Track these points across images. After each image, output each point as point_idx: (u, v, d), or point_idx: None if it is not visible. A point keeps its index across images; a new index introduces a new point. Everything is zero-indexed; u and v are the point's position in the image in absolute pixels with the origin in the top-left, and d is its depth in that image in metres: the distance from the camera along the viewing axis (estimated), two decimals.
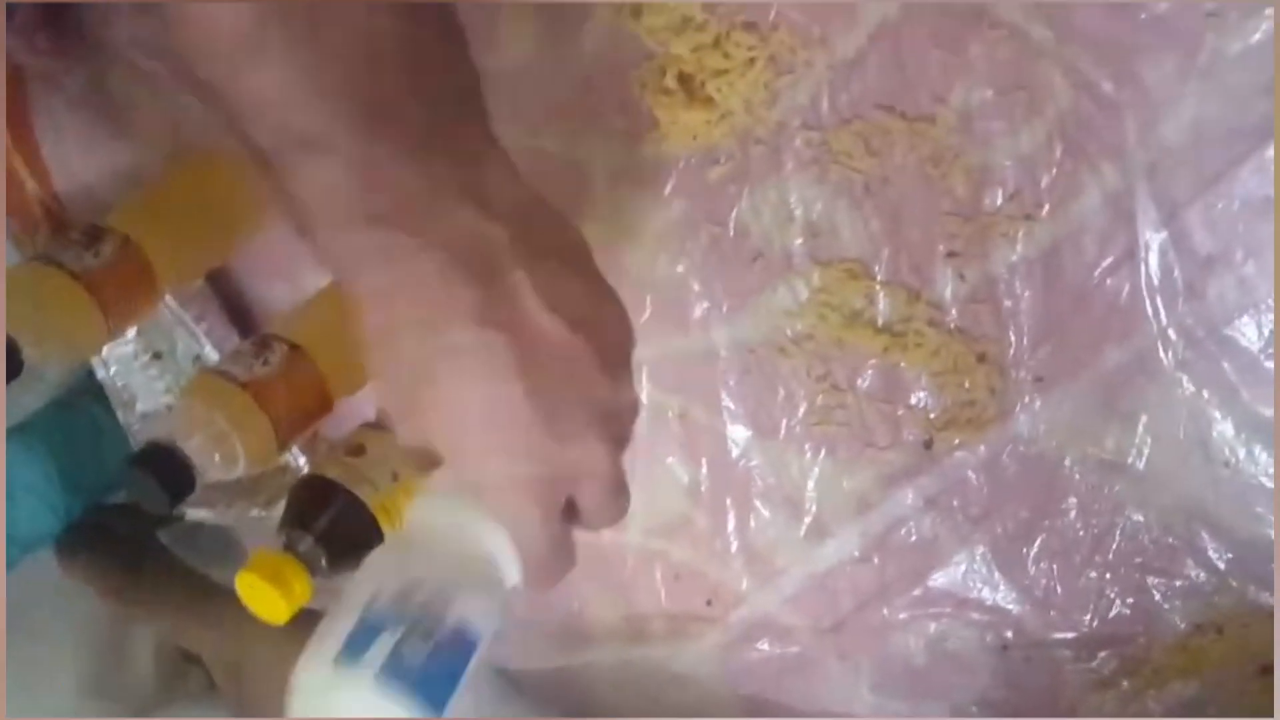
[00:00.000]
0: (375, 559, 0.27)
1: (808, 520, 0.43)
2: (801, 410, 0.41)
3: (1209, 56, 0.32)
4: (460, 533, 0.26)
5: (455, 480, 0.26)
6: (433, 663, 0.24)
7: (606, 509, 0.27)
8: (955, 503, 0.41)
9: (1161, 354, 0.37)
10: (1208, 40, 0.32)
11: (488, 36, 0.38)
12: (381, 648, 0.24)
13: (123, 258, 0.38)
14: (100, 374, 0.50)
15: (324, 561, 0.37)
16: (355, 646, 0.24)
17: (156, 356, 0.50)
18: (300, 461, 0.47)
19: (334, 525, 0.37)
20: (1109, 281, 0.37)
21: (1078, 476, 0.40)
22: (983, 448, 0.40)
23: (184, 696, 0.59)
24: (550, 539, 0.27)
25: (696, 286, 0.41)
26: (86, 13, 0.42)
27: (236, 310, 0.46)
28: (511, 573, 0.27)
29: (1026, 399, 0.39)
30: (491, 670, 0.51)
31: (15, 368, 0.37)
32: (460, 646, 0.25)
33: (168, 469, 0.35)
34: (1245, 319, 0.36)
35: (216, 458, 0.36)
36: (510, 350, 0.24)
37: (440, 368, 0.24)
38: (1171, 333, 0.37)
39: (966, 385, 0.40)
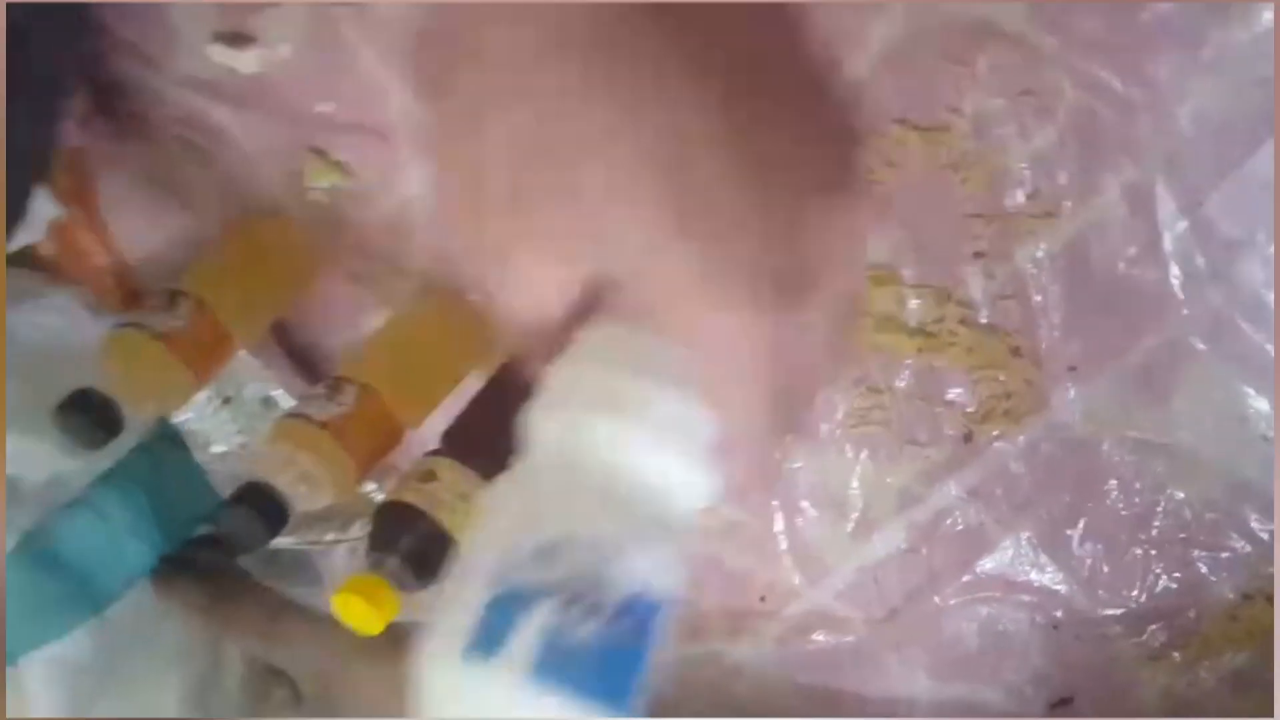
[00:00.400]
0: (498, 503, 0.18)
1: (855, 517, 0.45)
2: (840, 413, 0.43)
3: (1215, 49, 0.33)
4: (616, 431, 0.18)
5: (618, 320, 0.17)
6: (605, 647, 0.17)
7: (831, 358, 0.17)
8: (998, 491, 0.43)
9: (1192, 336, 0.38)
10: (1212, 35, 0.32)
11: None
12: (527, 635, 0.17)
13: (199, 318, 0.42)
14: (176, 419, 0.54)
15: (412, 579, 0.40)
16: (489, 635, 0.17)
17: (226, 401, 0.53)
18: (371, 488, 0.50)
19: (416, 545, 0.40)
20: (1135, 270, 0.37)
21: (1117, 459, 0.41)
22: (1022, 437, 0.41)
23: (271, 708, 0.63)
24: (786, 393, 0.17)
25: None
26: (139, 97, 0.45)
27: (298, 355, 0.49)
28: (699, 485, 0.18)
29: (1062, 388, 0.40)
30: None
31: (118, 426, 0.40)
32: (638, 617, 0.17)
33: (266, 505, 0.38)
34: (1273, 297, 0.36)
35: (304, 491, 0.39)
36: (697, 65, 0.14)
37: (563, 130, 0.15)
38: (1200, 315, 0.38)
39: (1002, 379, 0.41)
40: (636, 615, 0.17)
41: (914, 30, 0.35)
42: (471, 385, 0.45)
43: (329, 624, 0.56)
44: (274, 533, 0.40)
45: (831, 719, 0.49)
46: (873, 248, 0.40)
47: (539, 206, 0.16)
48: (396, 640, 0.56)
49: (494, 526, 0.18)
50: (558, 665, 0.17)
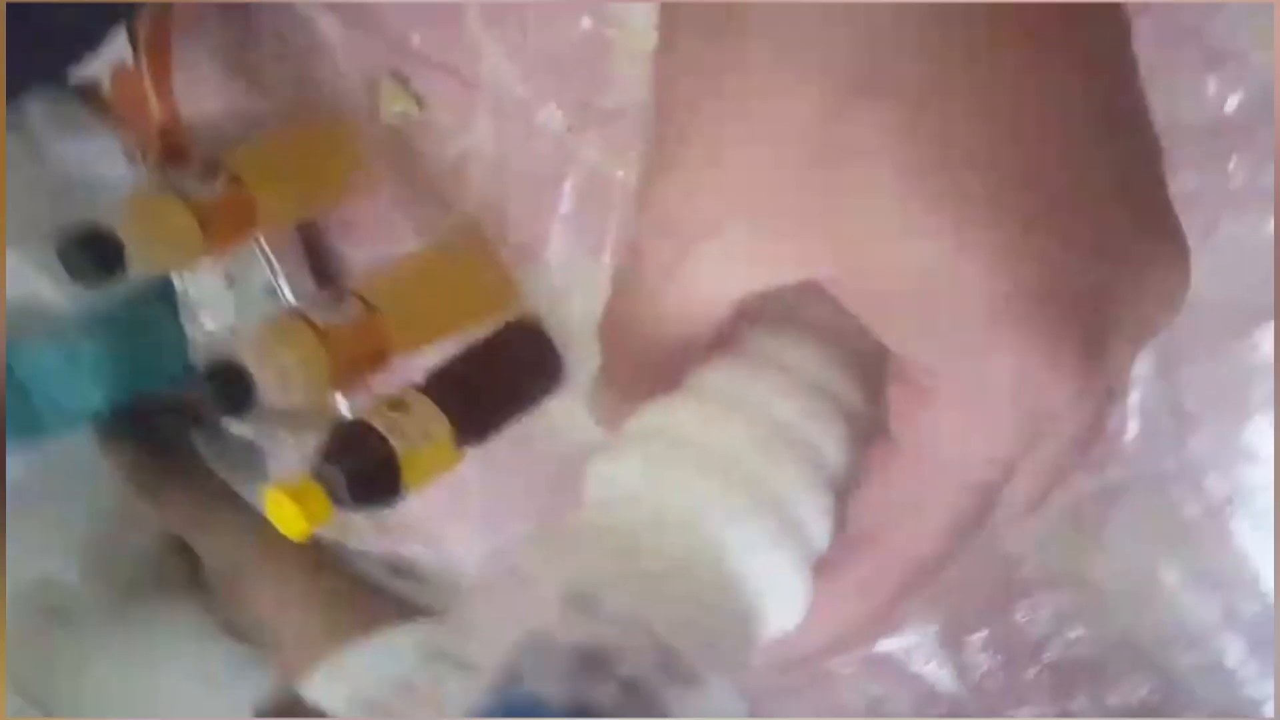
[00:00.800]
0: (533, 557, 0.14)
1: None
2: None
3: (1224, 238, 0.36)
4: (720, 505, 0.14)
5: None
6: None
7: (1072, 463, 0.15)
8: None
9: (1133, 488, 0.41)
10: (1224, 223, 0.35)
11: None
12: None
13: (232, 195, 0.43)
14: (177, 285, 0.55)
15: (348, 496, 0.41)
16: None
17: (232, 282, 0.54)
18: (341, 404, 0.51)
19: (364, 466, 0.41)
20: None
21: (1033, 581, 0.43)
22: None
23: (169, 585, 0.63)
24: (987, 504, 0.14)
25: None
26: None
27: (318, 259, 0.51)
28: (794, 603, 0.14)
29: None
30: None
31: (117, 269, 0.41)
32: None
33: (236, 386, 0.39)
34: (1212, 475, 0.39)
35: (279, 387, 0.40)
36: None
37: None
38: (1146, 473, 0.40)
39: None
40: None
41: None
42: (475, 335, 0.46)
43: (254, 524, 0.57)
44: (235, 414, 0.41)
45: None
46: None
47: (786, 176, 0.13)
48: (307, 561, 0.57)
49: (526, 591, 0.13)
50: None
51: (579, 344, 0.46)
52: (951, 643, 0.45)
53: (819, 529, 0.15)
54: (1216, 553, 0.40)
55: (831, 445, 0.15)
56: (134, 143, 0.53)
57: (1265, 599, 0.40)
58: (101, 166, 0.54)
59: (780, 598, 0.15)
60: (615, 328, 0.15)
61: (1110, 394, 0.15)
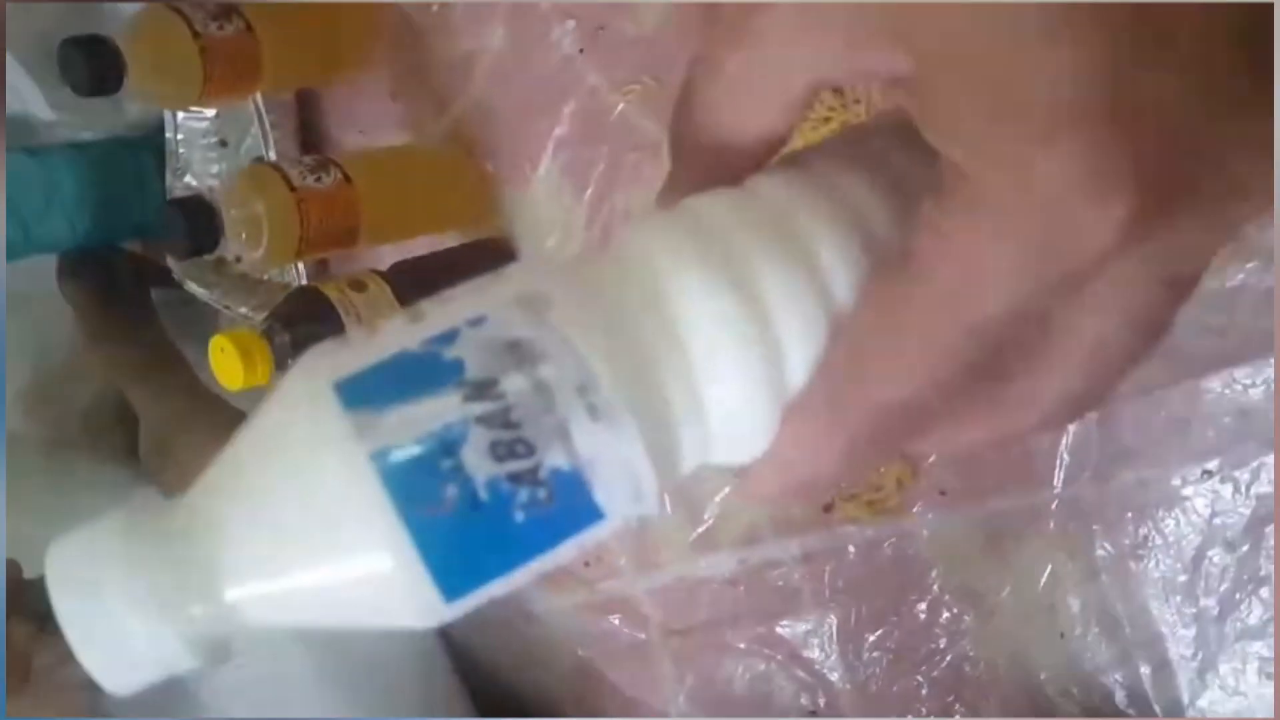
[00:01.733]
0: (506, 272, 0.14)
1: (700, 530, 0.47)
2: None
3: None
4: (713, 302, 0.14)
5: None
6: (496, 508, 0.12)
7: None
8: (828, 567, 0.45)
9: (1051, 515, 0.41)
10: None
11: None
12: (421, 417, 0.12)
13: (241, 41, 0.43)
14: (168, 134, 0.55)
15: (290, 362, 0.41)
16: (380, 386, 0.13)
17: (222, 144, 0.54)
18: (302, 281, 0.51)
19: (311, 337, 0.41)
20: (1033, 437, 0.41)
21: (937, 589, 0.43)
22: (870, 531, 0.44)
23: (104, 445, 0.63)
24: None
25: None
26: None
27: (307, 133, 0.51)
28: (748, 438, 0.14)
29: (924, 505, 0.43)
30: None
31: (113, 82, 0.41)
32: (559, 509, 0.13)
33: (201, 222, 0.39)
34: (1129, 515, 0.40)
35: (243, 235, 0.40)
36: None
37: None
38: (1068, 501, 0.41)
39: (881, 472, 0.43)
40: (562, 504, 0.12)
41: None
42: (447, 243, 0.46)
43: (195, 391, 0.57)
44: (194, 250, 0.41)
45: (584, 701, 0.51)
46: None
47: None
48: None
49: (496, 282, 0.14)
50: (422, 489, 0.12)
51: None
52: (847, 635, 0.45)
53: (797, 357, 0.14)
54: (1120, 596, 0.41)
55: (844, 282, 0.14)
56: None
57: (1158, 650, 0.40)
58: None
59: (734, 407, 0.14)
60: (681, 126, 0.15)
61: (1181, 279, 0.13)
